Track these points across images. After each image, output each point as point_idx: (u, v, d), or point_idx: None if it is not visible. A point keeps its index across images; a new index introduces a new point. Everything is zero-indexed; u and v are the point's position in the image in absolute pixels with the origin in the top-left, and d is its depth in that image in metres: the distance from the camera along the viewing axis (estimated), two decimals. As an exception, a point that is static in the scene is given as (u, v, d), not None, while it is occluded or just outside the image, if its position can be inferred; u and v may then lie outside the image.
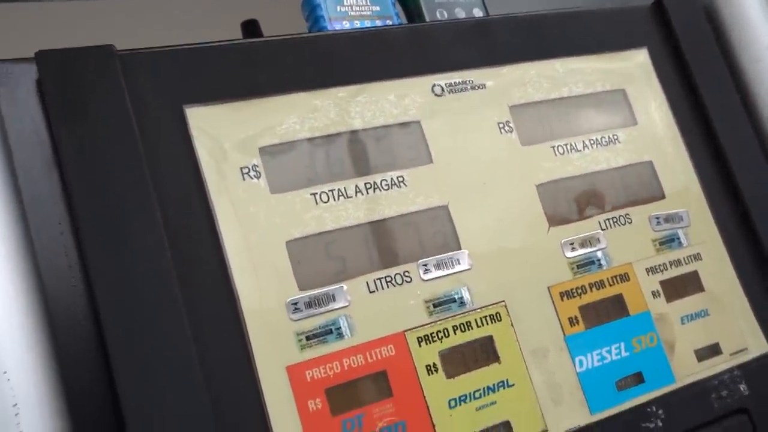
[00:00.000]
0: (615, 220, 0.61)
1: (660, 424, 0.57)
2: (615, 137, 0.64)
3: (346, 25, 0.65)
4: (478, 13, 0.73)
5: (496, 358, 0.53)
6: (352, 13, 0.66)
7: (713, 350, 0.61)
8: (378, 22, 0.67)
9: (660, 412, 0.57)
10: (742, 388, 0.61)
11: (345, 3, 0.66)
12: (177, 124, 0.49)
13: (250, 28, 0.94)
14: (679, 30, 0.69)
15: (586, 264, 0.59)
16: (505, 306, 0.55)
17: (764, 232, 0.65)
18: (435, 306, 0.53)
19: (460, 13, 0.72)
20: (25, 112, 0.47)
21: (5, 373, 0.39)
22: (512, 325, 0.54)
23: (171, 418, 0.43)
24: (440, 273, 0.54)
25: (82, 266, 0.46)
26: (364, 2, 0.67)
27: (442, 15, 0.71)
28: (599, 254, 0.60)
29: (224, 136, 0.50)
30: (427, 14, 0.71)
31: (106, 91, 0.47)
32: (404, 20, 0.71)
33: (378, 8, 0.67)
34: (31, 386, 0.40)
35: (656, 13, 0.70)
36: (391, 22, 0.67)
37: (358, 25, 0.66)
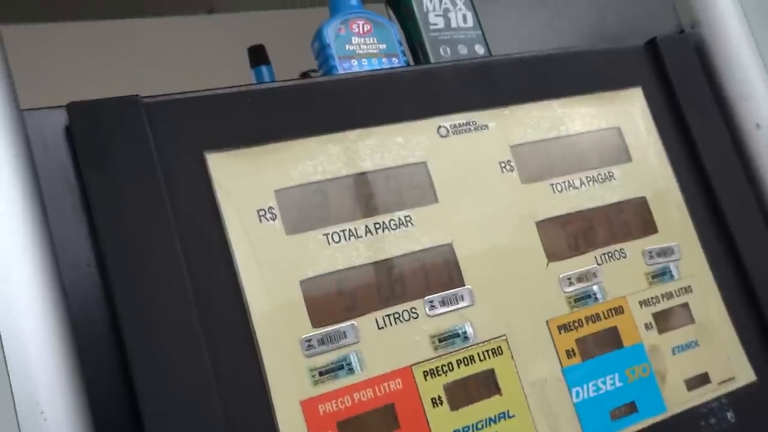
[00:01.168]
0: (610, 254, 0.64)
1: (652, 451, 0.60)
2: (610, 174, 0.67)
3: (354, 63, 0.68)
4: (479, 49, 0.76)
5: (497, 390, 0.56)
6: (360, 52, 0.69)
7: (702, 379, 0.64)
8: (384, 60, 0.70)
9: (652, 440, 0.60)
10: (729, 416, 0.64)
11: (353, 42, 0.69)
12: (198, 169, 0.52)
13: (257, 53, 0.97)
14: (672, 69, 0.73)
15: (582, 298, 0.62)
16: (506, 340, 0.58)
17: (751, 264, 0.69)
18: (440, 341, 0.56)
19: (462, 50, 0.75)
20: (55, 157, 0.50)
21: (42, 413, 0.42)
22: (513, 358, 0.57)
23: (192, 451, 0.46)
24: (445, 309, 0.56)
25: (108, 306, 0.48)
26: (371, 41, 0.70)
27: (445, 51, 0.74)
28: (595, 288, 0.63)
29: (242, 181, 0.53)
30: (430, 51, 0.74)
31: (132, 139, 0.50)
32: (409, 57, 0.73)
33: (384, 46, 0.70)
34: (64, 420, 0.43)
35: (650, 52, 0.73)
36: (397, 60, 0.70)
37: (366, 64, 0.68)
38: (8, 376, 0.43)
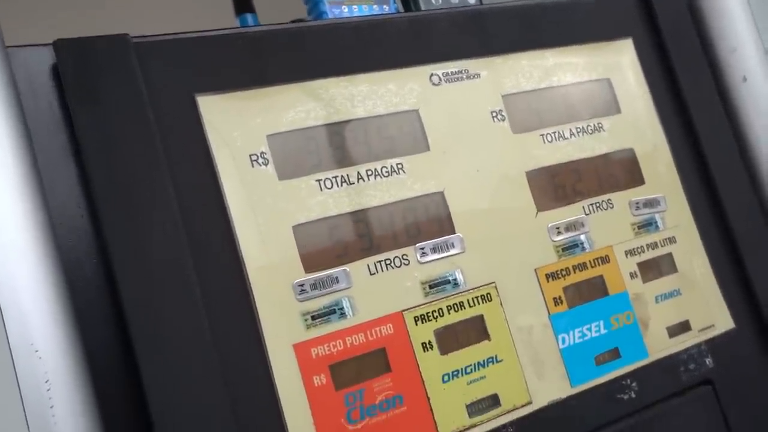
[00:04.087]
0: (598, 205, 0.65)
1: (633, 395, 0.61)
2: (600, 125, 0.68)
3: (345, 9, 0.67)
4: (471, -2, 0.75)
5: (486, 336, 0.57)
6: (350, -2, 0.68)
7: (683, 327, 0.66)
8: (375, 7, 0.69)
9: (633, 384, 0.62)
10: (707, 362, 0.66)
11: (343, -13, 0.68)
12: (189, 112, 0.51)
13: (242, 1, 0.94)
14: (663, 21, 0.72)
15: (570, 247, 0.63)
16: (495, 287, 0.58)
17: (734, 215, 0.70)
18: (431, 287, 0.56)
19: (454, -2, 0.74)
20: (42, 96, 0.49)
21: (37, 351, 0.42)
22: (501, 304, 0.58)
23: (188, 392, 0.47)
24: (436, 256, 0.57)
25: (100, 248, 0.48)
26: (362, -14, 0.68)
27: (436, 0, 0.73)
28: (582, 237, 0.63)
29: (234, 125, 0.52)
30: (422, -1, 0.72)
31: (122, 78, 0.49)
32: (399, 4, 0.72)
33: (375, -7, 0.69)
34: (61, 363, 0.43)
35: (641, 4, 0.73)
36: (387, 7, 0.69)
37: (356, 10, 0.67)
38: (2, 320, 0.43)
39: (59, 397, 0.42)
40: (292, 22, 0.87)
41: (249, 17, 0.93)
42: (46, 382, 0.42)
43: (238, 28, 0.56)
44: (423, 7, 0.71)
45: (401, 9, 0.72)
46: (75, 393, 0.43)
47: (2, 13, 0.46)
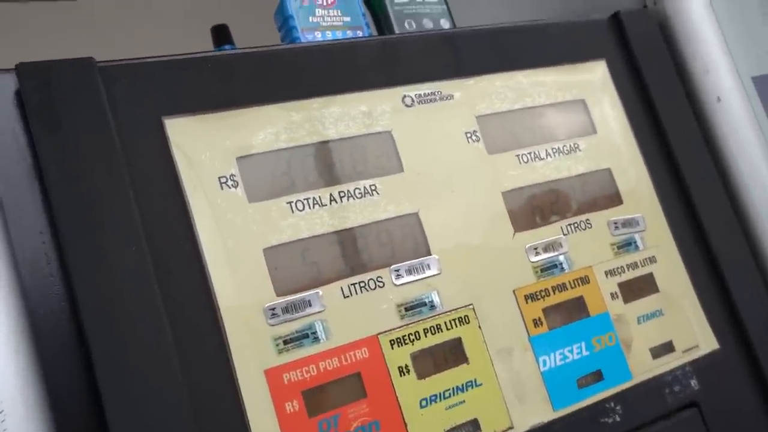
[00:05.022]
0: (576, 225, 0.65)
1: (618, 419, 0.60)
2: (576, 146, 0.68)
3: (318, 35, 0.67)
4: (445, 24, 0.76)
5: (464, 359, 0.56)
6: (324, 24, 0.68)
7: (667, 348, 0.65)
8: (349, 33, 0.69)
9: (618, 407, 0.60)
10: (693, 383, 0.64)
11: (317, 14, 0.68)
12: (156, 135, 0.51)
13: (221, 32, 0.95)
14: (635, 43, 0.73)
15: (549, 267, 0.62)
16: (473, 309, 0.57)
17: (714, 234, 0.69)
18: (407, 310, 0.55)
19: (428, 24, 0.75)
20: (5, 122, 0.48)
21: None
22: (480, 327, 0.57)
23: (152, 420, 0.45)
24: (411, 278, 0.56)
25: (63, 275, 0.47)
26: (335, 13, 0.69)
27: (410, 25, 0.74)
28: (561, 258, 0.63)
29: (202, 147, 0.52)
30: (395, 25, 0.73)
31: (86, 102, 0.48)
32: (374, 31, 0.73)
33: (348, 19, 0.69)
34: (17, 392, 0.41)
35: (613, 26, 0.74)
36: (361, 33, 0.69)
37: (330, 36, 0.67)
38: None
39: (14, 428, 0.40)
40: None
41: (228, 49, 0.93)
42: (1, 412, 0.40)
43: (206, 51, 0.55)
44: (397, 33, 0.72)
45: (376, 36, 0.73)
46: (32, 424, 0.41)
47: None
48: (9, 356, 0.41)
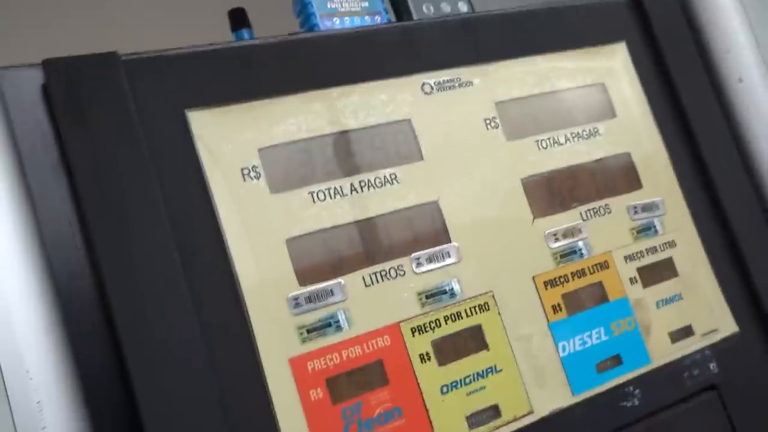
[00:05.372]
0: (595, 210, 0.65)
1: (637, 402, 0.61)
2: (595, 130, 0.67)
3: (336, 21, 0.67)
4: (463, 6, 0.75)
5: (484, 346, 0.57)
6: (342, 10, 0.68)
7: (686, 332, 0.65)
8: (367, 18, 0.68)
9: (637, 391, 0.61)
10: (711, 367, 0.65)
11: (335, 0, 0.68)
12: (179, 128, 0.51)
13: (238, 16, 0.95)
14: (656, 24, 0.72)
15: (568, 254, 0.62)
16: (493, 296, 0.58)
17: (734, 217, 0.69)
18: (427, 297, 0.56)
19: (446, 7, 0.74)
20: (32, 116, 0.49)
21: (27, 372, 0.41)
22: (499, 313, 0.58)
23: (182, 409, 0.46)
24: (432, 266, 0.56)
25: (92, 265, 0.48)
26: (353, -1, 0.68)
27: (428, 9, 0.73)
28: (580, 244, 0.63)
29: (225, 139, 0.52)
30: (413, 8, 0.72)
31: (111, 96, 0.49)
32: (392, 15, 0.72)
33: (366, 4, 0.69)
34: (52, 384, 0.42)
35: (634, 8, 0.73)
36: (379, 18, 0.69)
37: (348, 22, 0.67)
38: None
39: (51, 419, 0.42)
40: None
41: (245, 33, 0.93)
42: (38, 403, 0.41)
43: (227, 42, 0.55)
44: (415, 17, 0.71)
45: (394, 20, 0.72)
46: (67, 414, 0.43)
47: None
48: (47, 349, 0.43)
